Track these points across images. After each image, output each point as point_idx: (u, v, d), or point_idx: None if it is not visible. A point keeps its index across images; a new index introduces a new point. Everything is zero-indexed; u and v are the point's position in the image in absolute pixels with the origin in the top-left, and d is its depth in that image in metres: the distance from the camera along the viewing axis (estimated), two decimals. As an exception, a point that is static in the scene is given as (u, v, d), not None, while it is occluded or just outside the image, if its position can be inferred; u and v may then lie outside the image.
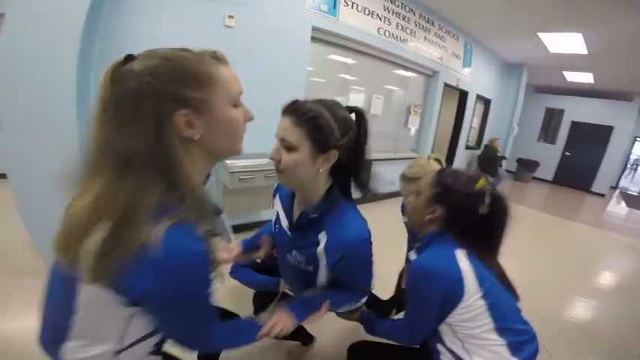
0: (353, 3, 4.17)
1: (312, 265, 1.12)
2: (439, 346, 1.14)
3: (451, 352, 1.10)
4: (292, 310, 1.04)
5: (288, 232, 1.18)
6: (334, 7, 4.00)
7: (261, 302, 2.07)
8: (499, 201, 1.13)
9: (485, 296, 1.05)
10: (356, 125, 1.04)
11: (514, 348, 1.05)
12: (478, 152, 7.95)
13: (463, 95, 7.05)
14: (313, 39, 3.91)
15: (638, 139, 12.01)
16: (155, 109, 0.61)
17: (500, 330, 1.06)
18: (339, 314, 1.44)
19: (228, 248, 1.35)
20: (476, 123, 8.17)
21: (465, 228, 1.12)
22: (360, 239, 1.06)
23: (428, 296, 1.07)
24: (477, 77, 7.14)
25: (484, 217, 1.10)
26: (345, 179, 1.11)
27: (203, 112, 0.66)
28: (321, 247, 1.07)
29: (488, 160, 7.43)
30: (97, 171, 0.63)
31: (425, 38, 5.31)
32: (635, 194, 11.90)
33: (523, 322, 1.15)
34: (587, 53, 5.97)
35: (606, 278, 4.00)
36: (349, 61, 4.57)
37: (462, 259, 1.08)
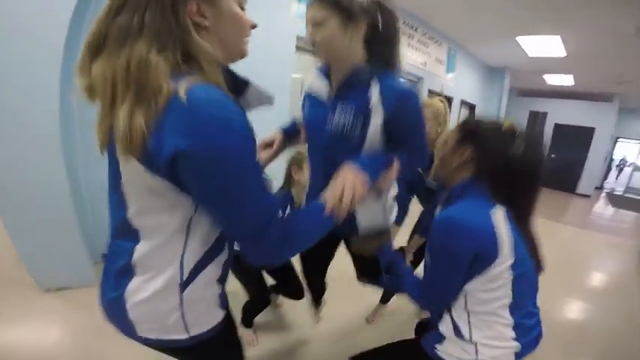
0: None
1: (360, 123, 1.06)
2: (444, 314, 1.09)
3: (453, 322, 1.05)
4: (361, 165, 0.92)
5: (326, 102, 1.15)
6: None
7: (250, 312, 2.06)
8: (534, 144, 1.06)
9: (514, 266, 0.98)
10: (378, 10, 1.07)
11: (519, 330, 1.02)
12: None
13: (448, 101, 7.09)
14: (298, 48, 3.93)
15: (618, 139, 12.29)
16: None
17: (514, 307, 1.01)
18: (361, 239, 1.27)
19: (268, 142, 1.26)
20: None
21: (498, 175, 1.03)
22: (413, 90, 1.07)
23: (455, 254, 0.97)
24: (461, 82, 7.24)
25: (518, 163, 1.02)
26: (378, 58, 1.10)
27: (213, 5, 0.71)
28: (375, 98, 1.05)
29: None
30: (105, 49, 0.64)
31: (408, 44, 5.37)
32: (621, 194, 12.14)
33: (535, 304, 1.11)
34: (566, 55, 6.11)
35: (595, 279, 4.04)
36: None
37: (500, 218, 0.99)
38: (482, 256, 0.96)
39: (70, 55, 2.05)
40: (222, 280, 0.85)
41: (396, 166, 1.02)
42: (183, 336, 0.77)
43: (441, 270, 1.03)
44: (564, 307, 3.21)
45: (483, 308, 1.01)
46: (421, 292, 1.12)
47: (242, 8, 0.79)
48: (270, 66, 3.51)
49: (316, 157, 1.24)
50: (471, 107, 8.26)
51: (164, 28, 0.63)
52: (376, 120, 1.05)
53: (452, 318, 1.06)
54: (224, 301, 0.88)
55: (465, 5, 4.66)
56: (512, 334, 1.01)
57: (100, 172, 0.66)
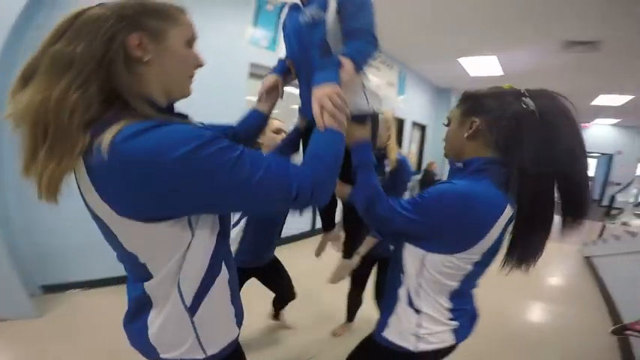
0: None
1: (322, 11, 1.12)
2: (402, 279, 1.06)
3: (407, 288, 1.04)
4: (321, 80, 0.92)
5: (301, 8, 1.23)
6: (274, 43, 4.08)
7: None
8: (546, 98, 0.93)
9: (477, 263, 0.96)
10: None
11: (455, 313, 1.03)
12: (419, 177, 8.29)
13: (399, 123, 7.37)
14: (252, 75, 3.94)
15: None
16: (111, 27, 0.63)
17: (455, 294, 1.01)
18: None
19: (272, 86, 1.28)
20: (414, 149, 8.55)
21: (510, 142, 0.92)
22: None
23: (444, 222, 0.92)
24: (412, 104, 7.57)
25: (529, 120, 0.90)
26: None
27: (157, 40, 0.70)
28: None
29: (429, 183, 7.76)
30: (34, 78, 0.61)
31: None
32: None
33: (472, 292, 1.12)
34: (503, 74, 6.59)
35: (549, 284, 4.27)
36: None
37: (504, 219, 0.92)
38: (459, 239, 0.93)
39: (7, 60, 1.96)
40: (235, 299, 0.89)
41: (347, 61, 0.99)
42: (201, 356, 0.82)
43: (418, 218, 0.96)
44: (525, 313, 3.41)
45: (430, 286, 1.00)
46: (380, 208, 1.03)
47: (191, 45, 0.79)
48: (225, 92, 3.51)
49: (301, 65, 1.28)
50: (423, 128, 8.60)
51: (94, 60, 0.62)
52: (332, 6, 1.11)
53: (407, 283, 1.04)
54: (240, 320, 0.92)
55: (409, 26, 4.88)
56: (449, 315, 1.03)
57: (34, 199, 0.64)
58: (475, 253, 0.94)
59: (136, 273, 0.76)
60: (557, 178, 0.90)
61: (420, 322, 1.02)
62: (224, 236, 0.83)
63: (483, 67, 6.39)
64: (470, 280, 1.02)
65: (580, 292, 4.03)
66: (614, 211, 8.98)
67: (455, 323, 1.04)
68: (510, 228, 0.97)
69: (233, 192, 0.66)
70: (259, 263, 2.02)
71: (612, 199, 9.60)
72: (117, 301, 2.85)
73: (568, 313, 3.43)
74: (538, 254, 0.99)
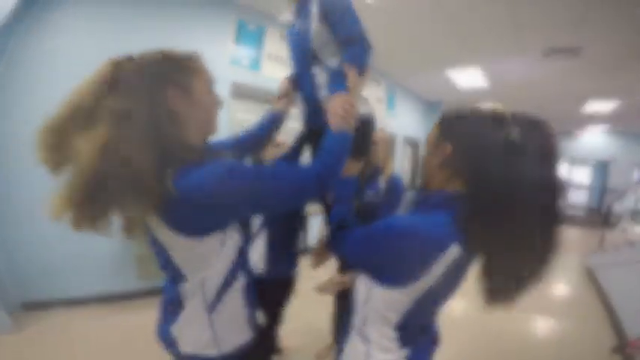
0: (277, 56, 4.27)
1: (307, 21, 1.29)
2: (354, 304, 1.03)
3: (357, 318, 1.01)
4: (335, 90, 1.12)
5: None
6: (257, 62, 4.04)
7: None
8: (535, 131, 0.81)
9: (419, 301, 0.87)
10: None
11: (402, 342, 0.94)
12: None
13: (390, 139, 7.30)
14: (234, 95, 3.92)
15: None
16: (152, 85, 0.76)
17: (399, 326, 0.93)
18: None
19: (285, 91, 1.51)
20: (407, 166, 8.49)
21: (478, 178, 0.80)
22: None
23: (394, 253, 0.85)
24: (402, 120, 7.55)
25: (513, 161, 0.77)
26: None
27: (188, 93, 0.84)
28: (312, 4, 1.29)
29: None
30: (94, 127, 0.69)
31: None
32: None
33: (427, 324, 1.03)
34: (487, 85, 6.60)
35: (552, 295, 4.13)
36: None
37: (450, 257, 0.81)
38: (395, 274, 0.87)
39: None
40: (251, 305, 1.03)
41: (349, 69, 1.13)
42: (215, 352, 0.93)
43: (363, 250, 0.95)
44: (525, 327, 3.31)
45: (376, 316, 0.95)
46: (342, 240, 1.06)
47: (211, 90, 0.94)
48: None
49: (298, 73, 1.44)
50: (415, 144, 8.57)
51: (152, 119, 0.74)
52: (314, 14, 1.27)
53: (357, 311, 1.01)
54: (254, 325, 1.04)
55: (394, 40, 4.89)
56: (398, 343, 0.95)
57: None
58: (415, 290, 0.86)
59: (174, 277, 0.91)
60: (528, 224, 0.78)
61: (369, 350, 0.96)
62: (243, 249, 1.00)
63: (471, 79, 6.40)
64: (415, 316, 0.91)
65: (582, 305, 3.92)
66: (613, 219, 8.88)
67: (406, 351, 0.95)
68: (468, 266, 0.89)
69: (261, 194, 0.84)
70: (290, 274, 2.09)
71: (610, 206, 9.50)
72: (100, 318, 2.83)
73: (571, 326, 3.33)
74: (505, 296, 0.85)
